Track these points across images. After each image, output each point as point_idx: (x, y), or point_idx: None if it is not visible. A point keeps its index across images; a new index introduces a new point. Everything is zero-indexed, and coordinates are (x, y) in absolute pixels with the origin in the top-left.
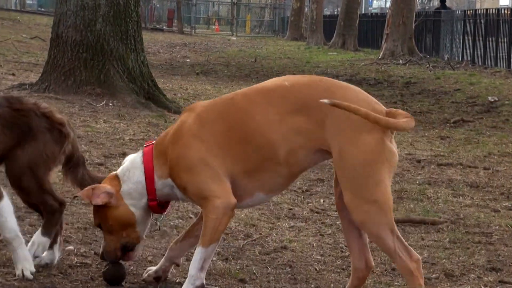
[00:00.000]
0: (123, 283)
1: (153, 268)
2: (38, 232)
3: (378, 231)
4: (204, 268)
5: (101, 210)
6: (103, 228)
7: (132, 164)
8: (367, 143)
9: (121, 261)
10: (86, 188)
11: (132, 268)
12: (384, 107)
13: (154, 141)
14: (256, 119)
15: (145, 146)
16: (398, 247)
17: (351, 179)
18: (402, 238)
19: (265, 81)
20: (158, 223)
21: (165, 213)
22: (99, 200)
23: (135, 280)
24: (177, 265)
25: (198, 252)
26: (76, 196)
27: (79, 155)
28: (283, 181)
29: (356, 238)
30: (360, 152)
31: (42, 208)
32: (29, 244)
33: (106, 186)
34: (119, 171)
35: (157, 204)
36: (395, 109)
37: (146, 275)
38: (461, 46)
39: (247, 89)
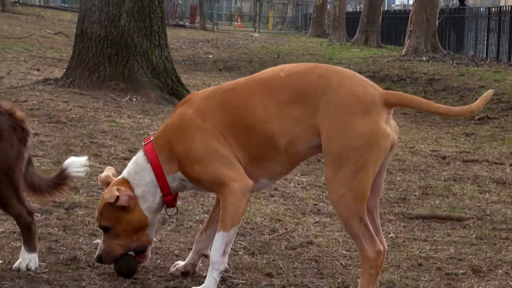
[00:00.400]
0: (135, 275)
1: (181, 263)
2: (23, 250)
3: (347, 216)
4: (226, 253)
5: (114, 213)
6: (111, 231)
7: (137, 166)
8: (356, 127)
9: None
10: (113, 188)
11: (159, 261)
12: (380, 89)
13: (152, 138)
14: (256, 111)
15: (144, 145)
16: (363, 234)
17: (334, 161)
18: (370, 227)
19: (263, 71)
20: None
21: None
22: (123, 201)
23: (162, 274)
24: (206, 256)
25: (220, 237)
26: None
27: (29, 154)
28: (285, 169)
29: (370, 223)
30: (348, 137)
31: (17, 221)
32: (18, 262)
33: (127, 189)
34: (126, 175)
35: (172, 197)
36: (391, 91)
37: (174, 269)
38: (485, 43)
39: (245, 80)
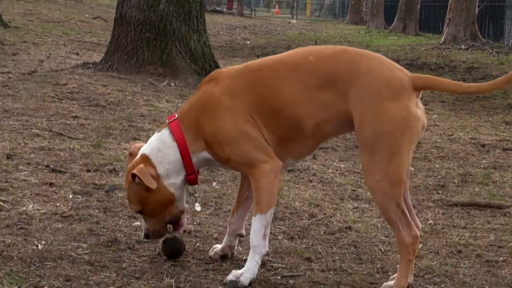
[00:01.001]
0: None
1: (219, 246)
2: None
3: (384, 202)
4: (266, 236)
5: (140, 196)
6: (145, 213)
7: (161, 143)
8: (388, 112)
9: (175, 234)
10: (142, 169)
11: (198, 244)
12: (408, 72)
13: (177, 115)
14: (285, 95)
15: (169, 122)
16: (400, 220)
17: (368, 147)
18: (407, 213)
19: (290, 52)
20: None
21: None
22: (152, 183)
23: (201, 257)
24: (241, 236)
25: (258, 220)
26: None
27: None
28: (310, 149)
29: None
30: (380, 121)
31: None
32: None
33: (149, 168)
34: (147, 152)
35: (195, 176)
36: (419, 74)
37: (213, 253)
38: None
39: (273, 62)
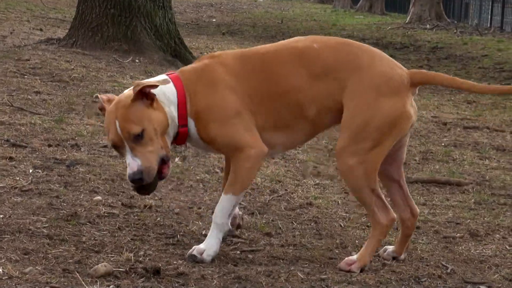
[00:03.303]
0: None
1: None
2: None
3: (357, 187)
4: (231, 215)
5: (144, 112)
6: (145, 136)
7: (164, 81)
8: (384, 108)
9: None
10: (147, 83)
11: (159, 219)
12: (406, 69)
13: (177, 72)
14: (288, 80)
15: (169, 74)
16: (375, 204)
17: (352, 135)
18: (383, 197)
19: (295, 39)
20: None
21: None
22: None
23: (162, 231)
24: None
25: (228, 200)
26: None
27: None
28: (305, 139)
29: (397, 190)
30: (374, 115)
31: None
32: None
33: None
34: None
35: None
36: (415, 70)
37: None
38: (489, 13)
39: (278, 47)
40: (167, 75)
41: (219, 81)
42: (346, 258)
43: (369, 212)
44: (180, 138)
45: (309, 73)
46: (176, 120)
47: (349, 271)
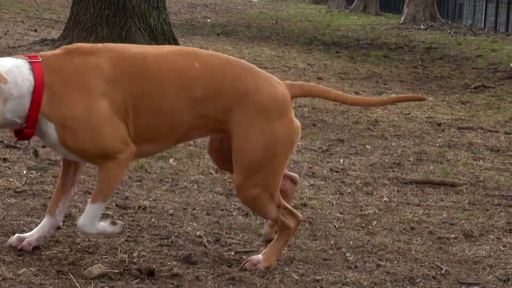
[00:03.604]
0: None
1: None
2: None
3: (263, 209)
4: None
5: None
6: None
7: (18, 69)
8: (278, 132)
9: None
10: None
11: (153, 220)
12: (283, 84)
13: (41, 59)
14: (166, 99)
15: (31, 62)
16: (282, 214)
17: (249, 167)
18: (286, 203)
19: (175, 51)
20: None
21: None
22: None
23: (156, 232)
24: (59, 228)
25: (97, 208)
26: None
27: None
28: (165, 149)
29: None
30: (270, 143)
31: None
32: None
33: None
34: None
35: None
36: (292, 83)
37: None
38: (483, 13)
39: (156, 56)
40: (28, 59)
41: (93, 85)
42: (251, 258)
43: (277, 223)
44: (21, 137)
45: (189, 97)
46: (17, 119)
47: (255, 270)
